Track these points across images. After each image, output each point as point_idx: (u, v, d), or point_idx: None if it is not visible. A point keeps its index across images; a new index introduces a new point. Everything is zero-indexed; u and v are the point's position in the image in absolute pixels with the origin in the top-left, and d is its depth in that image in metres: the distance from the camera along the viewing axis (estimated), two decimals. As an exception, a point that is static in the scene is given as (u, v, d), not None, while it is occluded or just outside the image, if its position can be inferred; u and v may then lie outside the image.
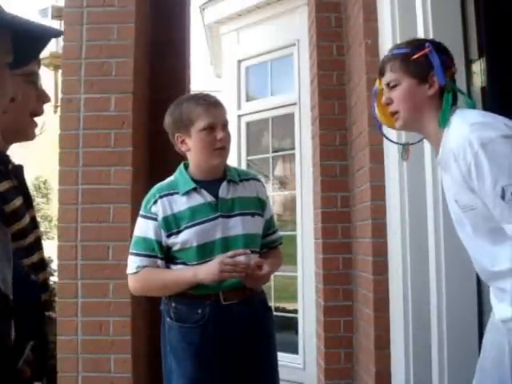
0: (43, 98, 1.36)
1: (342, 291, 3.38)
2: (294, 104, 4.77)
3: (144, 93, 3.28)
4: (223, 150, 2.06)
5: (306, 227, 4.46)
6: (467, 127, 1.48)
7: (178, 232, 2.00)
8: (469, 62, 2.34)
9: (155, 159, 3.25)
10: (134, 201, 2.85)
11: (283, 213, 5.39)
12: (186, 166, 2.12)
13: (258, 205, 2.14)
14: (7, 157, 1.35)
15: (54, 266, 3.39)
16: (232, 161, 4.46)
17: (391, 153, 2.61)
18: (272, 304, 4.50)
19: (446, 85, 1.59)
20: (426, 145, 2.25)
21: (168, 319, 2.06)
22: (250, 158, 5.28)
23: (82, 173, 2.97)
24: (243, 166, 5.02)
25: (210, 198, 2.04)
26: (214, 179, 2.08)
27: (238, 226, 2.04)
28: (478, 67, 2.33)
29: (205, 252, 2.00)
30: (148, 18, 3.40)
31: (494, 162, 1.42)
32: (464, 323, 2.22)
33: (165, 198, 2.03)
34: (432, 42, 1.65)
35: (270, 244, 2.23)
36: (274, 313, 2.54)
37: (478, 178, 1.44)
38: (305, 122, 4.43)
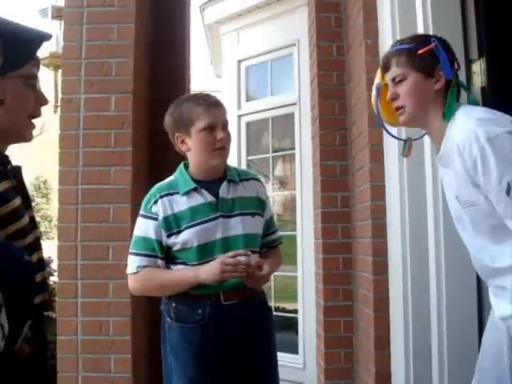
0: (41, 100, 1.36)
1: (342, 291, 3.38)
2: (294, 104, 4.77)
3: (144, 93, 3.27)
4: (223, 150, 2.06)
5: (306, 227, 4.46)
6: (473, 122, 1.48)
7: (179, 232, 2.00)
8: (469, 62, 2.35)
9: (155, 159, 3.25)
10: (133, 201, 2.85)
11: (283, 213, 5.39)
12: (186, 166, 2.11)
13: (258, 205, 2.14)
14: (6, 157, 1.35)
15: (54, 265, 3.39)
16: (232, 161, 4.45)
17: (391, 153, 2.61)
18: (272, 304, 4.50)
19: (452, 80, 1.59)
20: (427, 145, 2.25)
21: (168, 319, 2.05)
22: (249, 158, 5.28)
23: (82, 173, 2.97)
24: (243, 166, 5.02)
25: (210, 197, 2.04)
26: (214, 179, 2.08)
27: (238, 226, 2.04)
28: (478, 67, 2.33)
29: (205, 252, 2.00)
30: (148, 17, 3.40)
31: (501, 157, 1.41)
32: (464, 323, 2.22)
33: (165, 198, 2.02)
34: (436, 37, 1.66)
35: (270, 244, 2.23)
36: (274, 313, 2.54)
37: (483, 172, 1.43)
38: (305, 122, 4.43)
